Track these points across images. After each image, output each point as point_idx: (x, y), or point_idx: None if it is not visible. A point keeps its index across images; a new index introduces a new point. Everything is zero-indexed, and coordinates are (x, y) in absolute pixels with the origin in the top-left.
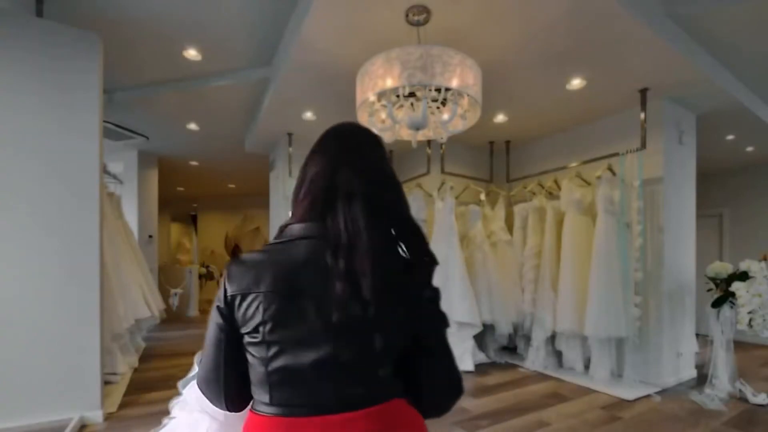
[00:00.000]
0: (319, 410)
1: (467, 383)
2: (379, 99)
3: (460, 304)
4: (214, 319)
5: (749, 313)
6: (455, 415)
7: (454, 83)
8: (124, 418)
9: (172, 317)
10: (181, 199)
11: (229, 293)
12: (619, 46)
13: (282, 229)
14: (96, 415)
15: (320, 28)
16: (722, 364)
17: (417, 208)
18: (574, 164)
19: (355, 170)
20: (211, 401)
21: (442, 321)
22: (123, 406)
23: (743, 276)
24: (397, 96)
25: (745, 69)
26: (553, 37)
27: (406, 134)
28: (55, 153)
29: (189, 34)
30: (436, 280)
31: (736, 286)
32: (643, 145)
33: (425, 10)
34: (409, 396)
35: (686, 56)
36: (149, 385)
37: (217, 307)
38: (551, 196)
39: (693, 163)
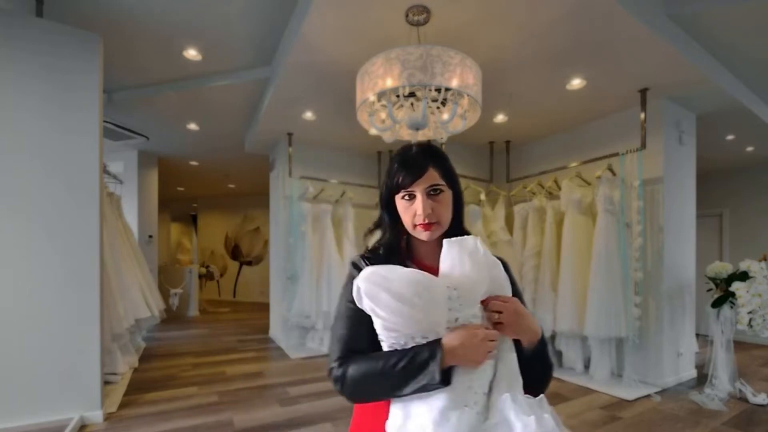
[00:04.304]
0: None
1: None
2: (379, 99)
3: None
4: None
5: (749, 313)
6: None
7: (454, 83)
8: (124, 418)
9: (172, 317)
10: (181, 199)
11: None
12: (619, 46)
13: None
14: (96, 415)
15: (320, 28)
16: (722, 364)
17: None
18: (574, 164)
19: None
20: None
21: None
22: (123, 406)
23: (743, 276)
24: (397, 96)
25: (745, 69)
26: (553, 37)
27: (406, 134)
28: (55, 153)
29: (189, 34)
30: None
31: (736, 286)
32: (643, 145)
33: (425, 10)
34: None
35: (686, 56)
36: (149, 385)
37: None
38: (551, 196)
39: (693, 163)
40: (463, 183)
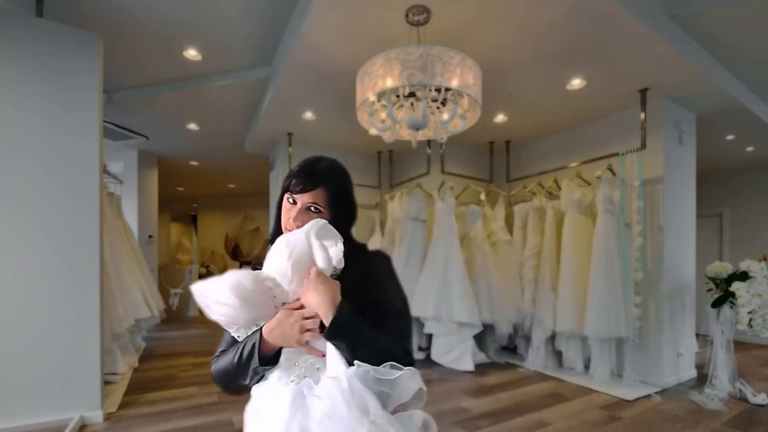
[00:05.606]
0: None
1: (467, 383)
2: (379, 99)
3: (460, 304)
4: None
5: (749, 313)
6: (455, 414)
7: (454, 83)
8: (124, 418)
9: (172, 317)
10: (181, 199)
11: None
12: (619, 46)
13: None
14: (96, 415)
15: (320, 28)
16: (722, 364)
17: (417, 209)
18: (574, 164)
19: None
20: None
21: None
22: (123, 406)
23: (743, 276)
24: (397, 96)
25: (745, 69)
26: (553, 37)
27: (406, 134)
28: (55, 153)
29: (189, 34)
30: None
31: (736, 286)
32: (643, 145)
33: (425, 10)
34: None
35: (686, 56)
36: (149, 385)
37: None
38: (551, 196)
39: (693, 163)
40: (462, 183)
